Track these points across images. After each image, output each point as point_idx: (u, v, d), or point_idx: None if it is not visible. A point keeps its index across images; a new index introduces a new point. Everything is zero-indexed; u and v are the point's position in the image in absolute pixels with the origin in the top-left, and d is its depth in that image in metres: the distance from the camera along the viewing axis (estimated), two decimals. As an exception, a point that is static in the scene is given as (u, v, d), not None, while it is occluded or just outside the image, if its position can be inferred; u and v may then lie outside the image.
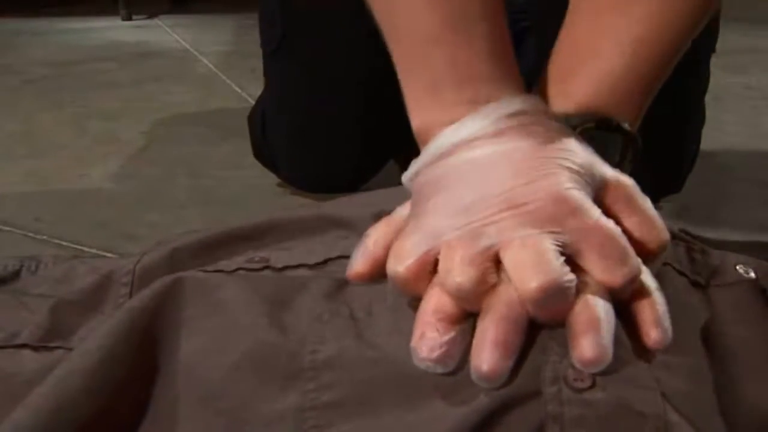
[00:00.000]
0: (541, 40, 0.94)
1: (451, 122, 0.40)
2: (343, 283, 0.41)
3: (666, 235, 0.38)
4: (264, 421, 0.35)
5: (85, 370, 0.38)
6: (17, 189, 1.06)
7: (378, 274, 0.39)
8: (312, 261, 0.43)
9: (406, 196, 0.42)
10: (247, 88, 1.51)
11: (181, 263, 0.47)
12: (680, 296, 0.40)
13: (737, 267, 0.43)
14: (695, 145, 0.94)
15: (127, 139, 1.26)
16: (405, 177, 0.41)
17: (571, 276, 0.35)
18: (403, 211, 0.41)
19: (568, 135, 0.39)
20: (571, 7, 0.47)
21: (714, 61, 0.89)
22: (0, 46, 1.99)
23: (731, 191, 1.05)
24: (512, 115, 0.39)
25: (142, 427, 0.39)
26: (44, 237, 0.90)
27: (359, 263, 0.40)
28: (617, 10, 0.45)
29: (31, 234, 0.91)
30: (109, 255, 0.85)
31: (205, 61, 1.81)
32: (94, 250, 0.87)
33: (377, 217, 0.42)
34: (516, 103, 0.40)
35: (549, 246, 0.35)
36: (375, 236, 0.40)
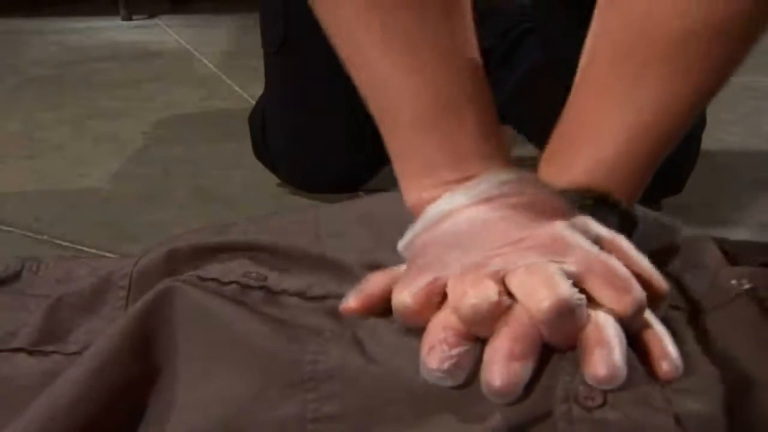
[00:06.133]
0: (544, 41, 0.95)
1: (446, 193, 0.41)
2: (340, 317, 0.41)
3: (665, 287, 0.38)
4: (264, 428, 0.35)
5: (79, 379, 0.38)
6: (17, 189, 1.06)
7: (370, 313, 0.40)
8: (310, 294, 0.43)
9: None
10: (247, 88, 1.51)
11: (178, 266, 0.47)
12: (681, 329, 0.39)
13: (732, 282, 0.43)
14: (695, 145, 0.94)
15: (127, 139, 1.26)
16: (400, 245, 0.42)
17: (581, 296, 0.35)
18: (402, 267, 0.41)
19: (560, 199, 0.40)
20: (576, 83, 0.48)
21: (714, 61, 0.89)
22: (0, 46, 1.99)
23: (731, 191, 1.05)
24: (505, 184, 0.40)
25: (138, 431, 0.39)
26: (44, 237, 0.90)
27: (353, 300, 0.40)
28: (616, 98, 0.45)
29: (31, 234, 0.91)
30: (109, 255, 0.85)
31: (205, 61, 1.81)
32: (94, 250, 0.87)
33: (374, 267, 0.42)
34: (508, 173, 0.41)
35: (555, 269, 0.35)
36: (372, 278, 0.41)
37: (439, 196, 0.41)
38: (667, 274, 0.39)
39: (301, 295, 0.43)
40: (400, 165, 0.45)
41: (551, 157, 0.47)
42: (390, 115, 0.45)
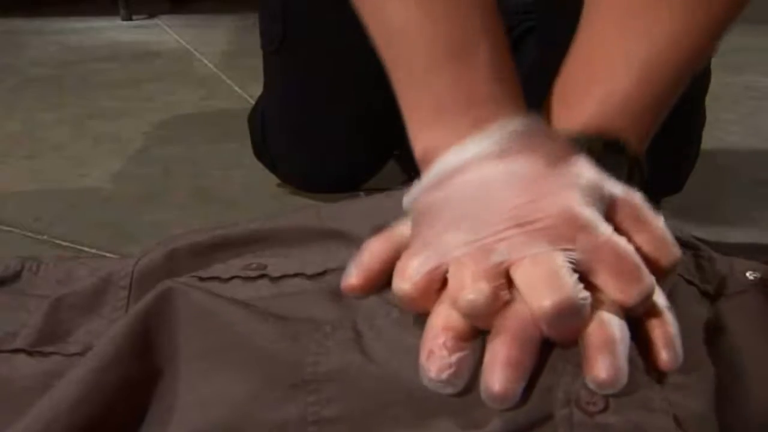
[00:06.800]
0: (546, 40, 0.95)
1: (455, 144, 0.40)
2: (342, 295, 0.40)
3: (678, 253, 0.38)
4: (265, 429, 0.35)
5: (81, 380, 0.38)
6: (17, 189, 1.06)
7: (372, 287, 0.39)
8: (310, 271, 0.43)
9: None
10: (247, 88, 1.51)
11: (179, 266, 0.47)
12: (690, 308, 0.39)
13: (747, 274, 0.43)
14: (695, 145, 0.94)
15: (127, 139, 1.26)
16: (406, 200, 0.40)
17: (585, 293, 0.34)
18: (402, 227, 0.40)
19: (573, 153, 0.39)
20: (581, 22, 0.47)
21: (714, 61, 0.89)
22: (0, 46, 1.99)
23: (731, 191, 1.05)
24: (517, 134, 0.39)
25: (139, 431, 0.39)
26: (44, 237, 0.90)
27: (354, 276, 0.39)
28: (629, 30, 0.44)
29: (31, 234, 0.91)
30: (109, 255, 0.85)
31: (205, 61, 1.80)
32: (94, 250, 0.87)
33: (377, 229, 0.41)
34: (520, 122, 0.40)
35: (561, 263, 0.35)
36: (371, 249, 0.40)
37: (447, 145, 0.40)
38: (683, 243, 0.39)
39: (301, 275, 0.43)
40: (410, 113, 0.44)
41: (558, 100, 0.46)
42: (403, 64, 0.44)
